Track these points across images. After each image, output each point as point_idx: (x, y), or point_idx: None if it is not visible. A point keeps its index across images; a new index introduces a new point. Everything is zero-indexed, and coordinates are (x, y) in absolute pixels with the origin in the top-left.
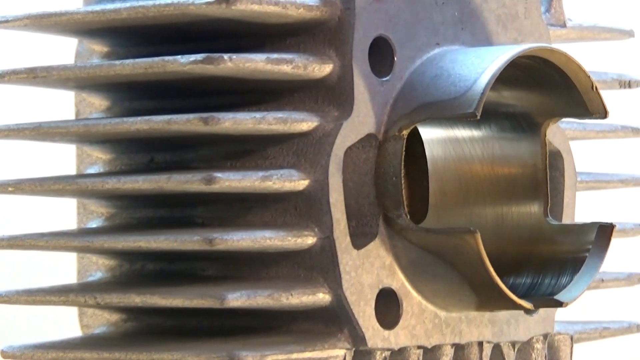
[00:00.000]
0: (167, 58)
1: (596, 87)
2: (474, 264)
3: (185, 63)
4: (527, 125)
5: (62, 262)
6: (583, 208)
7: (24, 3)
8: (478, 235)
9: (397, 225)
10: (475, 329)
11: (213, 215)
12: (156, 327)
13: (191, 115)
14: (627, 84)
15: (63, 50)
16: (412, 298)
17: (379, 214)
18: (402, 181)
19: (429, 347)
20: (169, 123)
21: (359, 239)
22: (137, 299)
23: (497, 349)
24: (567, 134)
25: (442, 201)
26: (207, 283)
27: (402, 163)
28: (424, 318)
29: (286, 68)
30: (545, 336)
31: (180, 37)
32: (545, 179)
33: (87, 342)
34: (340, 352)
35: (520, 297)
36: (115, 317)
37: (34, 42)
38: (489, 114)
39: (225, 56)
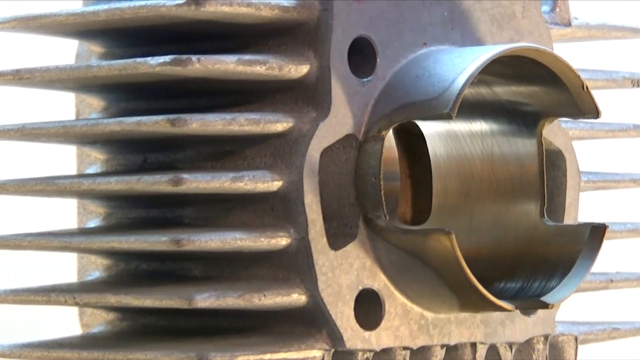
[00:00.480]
0: (138, 60)
1: (587, 87)
2: (450, 266)
3: (155, 65)
4: (524, 124)
5: (61, 261)
6: (595, 208)
7: (25, 4)
8: (453, 237)
9: (377, 227)
10: (466, 330)
11: (199, 215)
12: (150, 326)
13: (159, 117)
14: (639, 82)
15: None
16: (395, 299)
17: (359, 215)
18: (382, 182)
19: (415, 348)
20: (139, 124)
21: (339, 240)
22: (112, 299)
23: (493, 350)
24: (574, 134)
25: (445, 201)
26: (184, 283)
27: (381, 164)
28: (409, 319)
29: (260, 69)
30: (546, 337)
31: (171, 38)
32: (542, 179)
33: (73, 342)
34: (318, 353)
35: (509, 298)
36: (112, 316)
37: (36, 43)
38: (488, 112)
39: (194, 58)
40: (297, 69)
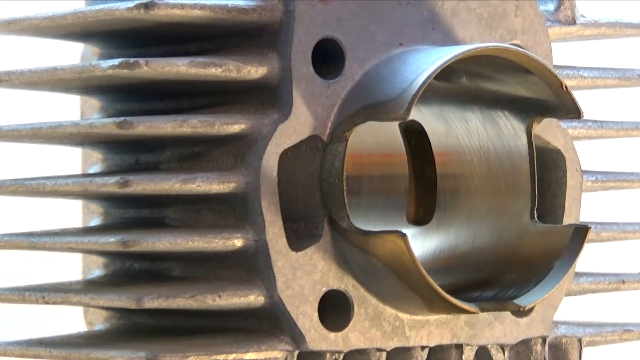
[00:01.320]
0: (93, 63)
1: (566, 86)
2: (407, 267)
3: (106, 68)
4: (517, 123)
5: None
6: (609, 208)
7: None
8: (407, 239)
9: (340, 228)
10: (448, 331)
11: (176, 216)
12: (141, 325)
13: (108, 120)
14: None
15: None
16: (366, 300)
17: (325, 216)
18: (345, 183)
19: (388, 349)
20: (91, 127)
21: (304, 241)
22: (74, 299)
23: (484, 351)
24: (581, 133)
25: (445, 200)
26: (149, 283)
27: (344, 165)
28: (382, 320)
29: (215, 71)
30: (544, 339)
31: (159, 39)
32: (533, 179)
33: (45, 341)
34: (279, 354)
35: (487, 299)
36: (110, 314)
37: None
38: (484, 107)
39: (141, 60)
40: (258, 71)
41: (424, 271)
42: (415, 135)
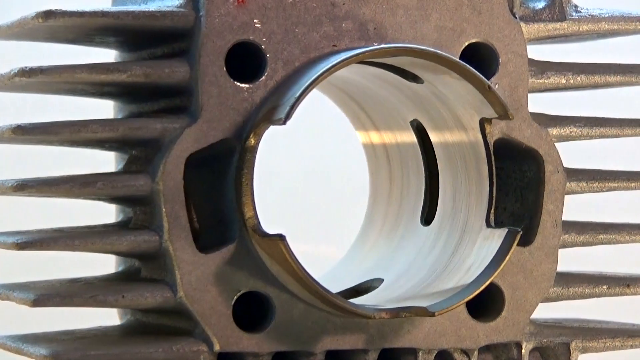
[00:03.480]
0: (14, 70)
1: (489, 86)
2: (294, 270)
3: (10, 76)
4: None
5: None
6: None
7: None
8: (286, 242)
9: (249, 230)
10: (394, 335)
11: (138, 217)
12: (143, 323)
13: (5, 126)
14: None
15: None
16: (291, 302)
17: (239, 219)
18: (252, 186)
19: (317, 351)
20: (2, 133)
21: (215, 244)
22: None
23: (447, 356)
24: (573, 132)
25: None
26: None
27: (254, 167)
28: (310, 322)
29: (120, 76)
30: (517, 343)
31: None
32: (491, 182)
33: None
34: (191, 355)
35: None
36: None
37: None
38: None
39: (37, 68)
40: (170, 76)
41: (307, 273)
42: (423, 134)
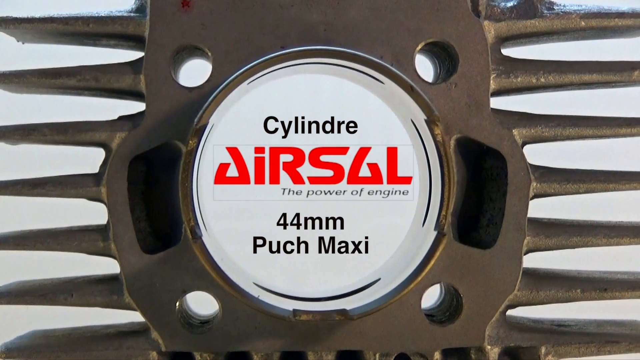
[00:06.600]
0: None
1: (412, 87)
2: (216, 272)
3: None
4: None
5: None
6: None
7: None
8: (198, 244)
9: (190, 233)
10: (337, 337)
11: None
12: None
13: None
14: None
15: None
16: (238, 304)
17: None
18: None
19: (269, 351)
20: None
21: (162, 245)
22: None
23: (406, 359)
24: (565, 132)
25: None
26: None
27: (193, 169)
28: (256, 323)
29: (70, 81)
30: (478, 348)
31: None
32: (443, 185)
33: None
34: (140, 355)
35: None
36: None
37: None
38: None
39: None
40: (119, 80)
41: (220, 275)
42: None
